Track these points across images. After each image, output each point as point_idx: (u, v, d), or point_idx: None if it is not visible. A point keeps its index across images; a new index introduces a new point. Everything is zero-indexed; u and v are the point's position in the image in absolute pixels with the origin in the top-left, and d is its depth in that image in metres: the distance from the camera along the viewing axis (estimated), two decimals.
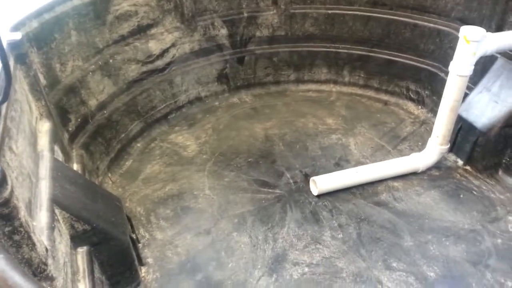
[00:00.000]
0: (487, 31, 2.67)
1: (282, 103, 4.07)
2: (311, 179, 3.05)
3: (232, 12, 3.77)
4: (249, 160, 3.35)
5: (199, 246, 2.65)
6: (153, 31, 3.45)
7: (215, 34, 3.77)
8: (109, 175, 3.18)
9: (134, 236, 2.60)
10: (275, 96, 4.19)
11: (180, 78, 3.73)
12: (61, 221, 1.84)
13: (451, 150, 3.27)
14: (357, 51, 4.04)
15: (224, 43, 3.87)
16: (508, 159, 3.07)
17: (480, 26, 3.04)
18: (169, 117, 3.78)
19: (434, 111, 3.66)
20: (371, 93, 4.15)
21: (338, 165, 3.29)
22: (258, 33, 3.95)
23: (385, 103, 4.05)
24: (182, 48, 3.66)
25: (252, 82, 4.18)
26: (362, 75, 4.14)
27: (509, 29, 2.89)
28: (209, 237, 2.71)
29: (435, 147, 3.12)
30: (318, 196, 2.99)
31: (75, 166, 2.60)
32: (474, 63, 2.71)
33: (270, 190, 3.06)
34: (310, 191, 3.03)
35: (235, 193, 3.04)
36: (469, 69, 2.73)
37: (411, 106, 3.95)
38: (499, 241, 2.65)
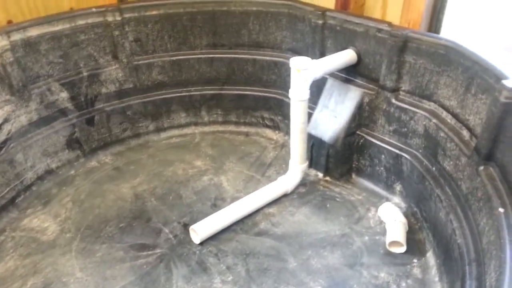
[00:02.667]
0: (312, 58, 3.03)
1: (147, 155, 3.93)
2: (190, 228, 2.97)
3: (70, 73, 3.52)
4: (121, 225, 3.11)
5: None
6: None
7: (54, 99, 3.47)
8: None
9: None
10: (138, 150, 4.03)
11: (22, 155, 3.30)
12: None
13: (310, 166, 3.56)
14: (209, 91, 4.17)
15: (67, 107, 3.58)
16: (356, 163, 3.49)
17: (307, 54, 3.44)
18: (17, 200, 3.29)
19: (289, 133, 3.95)
20: (231, 127, 4.31)
21: (215, 206, 3.28)
22: (104, 90, 3.77)
23: (246, 134, 4.24)
24: (18, 122, 3.26)
25: (108, 141, 3.94)
26: (220, 112, 4.28)
27: (329, 53, 3.32)
28: None
29: (296, 167, 3.37)
30: (201, 243, 2.92)
31: None
32: (308, 88, 3.04)
33: (150, 252, 2.87)
34: (193, 241, 2.95)
35: (111, 266, 2.77)
36: (306, 94, 3.04)
37: (269, 133, 4.22)
38: (366, 238, 2.95)
